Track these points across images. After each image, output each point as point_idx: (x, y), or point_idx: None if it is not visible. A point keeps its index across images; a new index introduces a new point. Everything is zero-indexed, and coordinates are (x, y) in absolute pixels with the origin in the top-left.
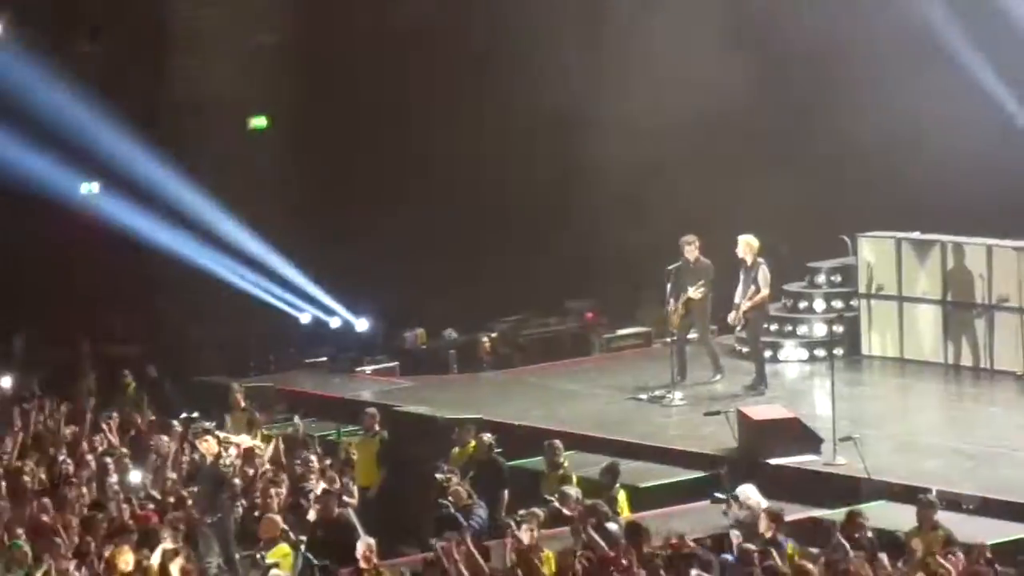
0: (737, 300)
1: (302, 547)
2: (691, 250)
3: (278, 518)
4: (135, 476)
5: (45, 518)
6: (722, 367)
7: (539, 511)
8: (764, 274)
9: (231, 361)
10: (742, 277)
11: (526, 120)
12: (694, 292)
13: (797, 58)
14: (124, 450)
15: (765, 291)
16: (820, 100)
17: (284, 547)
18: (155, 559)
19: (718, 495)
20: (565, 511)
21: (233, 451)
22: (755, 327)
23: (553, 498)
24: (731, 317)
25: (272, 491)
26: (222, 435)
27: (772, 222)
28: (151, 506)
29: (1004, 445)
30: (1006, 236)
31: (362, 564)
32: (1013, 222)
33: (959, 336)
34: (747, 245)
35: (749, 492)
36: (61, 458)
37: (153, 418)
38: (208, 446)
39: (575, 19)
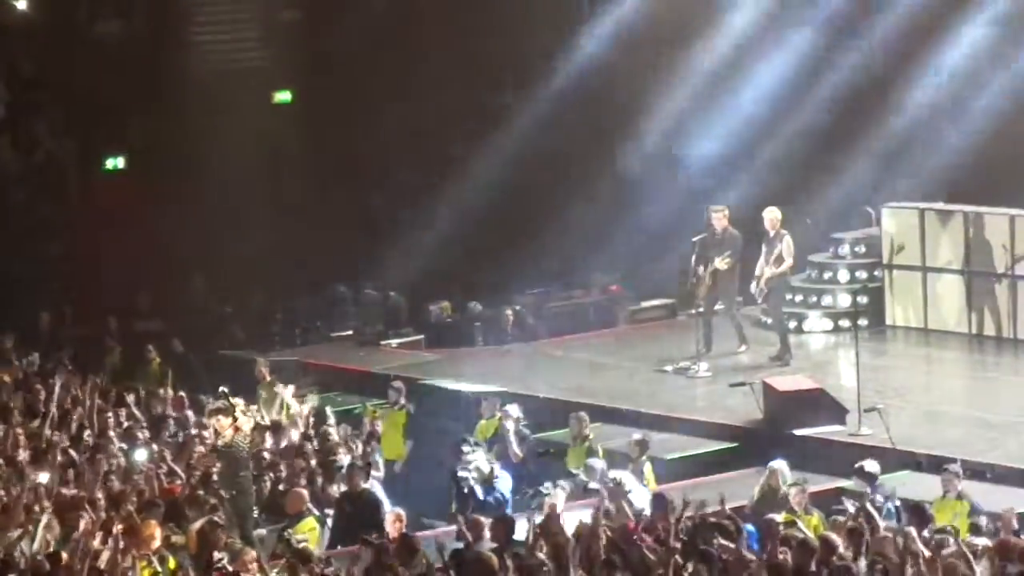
0: (758, 272)
1: (328, 521)
2: (719, 219)
3: (304, 492)
4: (141, 454)
5: (69, 492)
6: (747, 338)
7: (565, 484)
8: (788, 244)
9: (257, 335)
10: (764, 249)
11: (549, 90)
12: (721, 263)
13: (828, 30)
14: (141, 425)
15: (789, 261)
16: (847, 72)
17: (310, 521)
18: (195, 526)
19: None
20: (591, 484)
21: (230, 432)
22: (777, 298)
23: (579, 471)
24: (752, 287)
25: (299, 465)
26: (239, 412)
27: (795, 193)
28: (178, 481)
29: None
30: None
31: (392, 534)
32: None
33: (982, 306)
34: (771, 218)
35: (784, 470)
36: (86, 433)
37: (182, 393)
38: (221, 424)
39: None
